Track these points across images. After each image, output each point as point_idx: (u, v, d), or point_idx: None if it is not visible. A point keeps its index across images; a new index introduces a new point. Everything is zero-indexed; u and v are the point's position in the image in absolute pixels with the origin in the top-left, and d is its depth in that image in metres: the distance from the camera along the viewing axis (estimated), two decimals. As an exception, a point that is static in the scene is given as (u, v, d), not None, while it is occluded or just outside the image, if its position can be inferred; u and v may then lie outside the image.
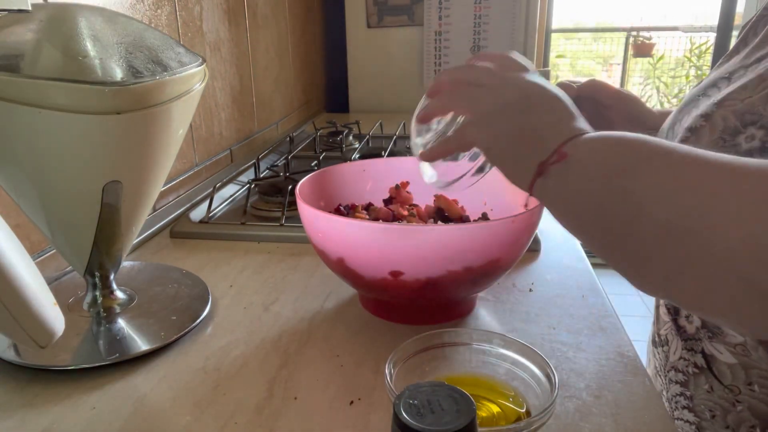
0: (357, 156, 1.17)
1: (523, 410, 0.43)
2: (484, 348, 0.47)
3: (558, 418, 0.45)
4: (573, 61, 5.30)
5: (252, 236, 0.81)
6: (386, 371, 0.42)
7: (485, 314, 0.61)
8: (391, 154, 1.17)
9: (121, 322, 0.57)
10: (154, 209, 0.90)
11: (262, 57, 1.38)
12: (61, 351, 0.52)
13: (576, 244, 0.78)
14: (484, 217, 0.66)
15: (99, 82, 0.44)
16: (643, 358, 0.54)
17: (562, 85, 0.70)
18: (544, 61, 2.46)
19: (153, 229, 0.84)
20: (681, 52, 4.71)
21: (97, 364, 0.51)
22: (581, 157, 0.40)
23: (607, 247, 0.40)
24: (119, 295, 0.60)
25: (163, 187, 0.85)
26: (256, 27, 1.34)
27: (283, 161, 1.13)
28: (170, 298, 0.62)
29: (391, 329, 0.58)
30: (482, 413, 0.43)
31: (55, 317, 0.38)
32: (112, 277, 0.59)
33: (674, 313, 0.61)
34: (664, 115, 0.66)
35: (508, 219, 0.51)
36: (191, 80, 0.51)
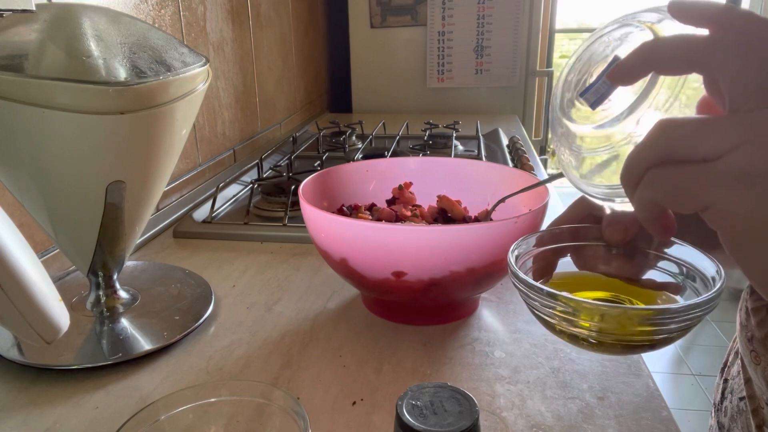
0: (360, 156, 1.17)
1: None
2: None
3: (561, 419, 0.45)
4: (576, 61, 5.29)
5: (255, 236, 0.81)
6: (510, 257, 0.39)
7: (488, 315, 0.60)
8: (395, 154, 1.17)
9: (124, 322, 0.57)
10: (158, 209, 0.90)
11: (265, 57, 1.38)
12: (65, 350, 0.52)
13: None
14: (487, 217, 0.66)
15: (103, 82, 0.44)
16: (648, 362, 0.53)
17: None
18: (548, 62, 2.46)
19: (156, 228, 0.84)
20: (685, 53, 4.70)
21: (100, 364, 0.51)
22: None
23: None
24: (122, 294, 0.60)
25: (167, 186, 0.85)
26: (260, 27, 1.34)
27: (286, 161, 1.13)
28: (173, 298, 0.62)
29: (394, 330, 0.58)
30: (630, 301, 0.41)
31: (60, 313, 0.38)
32: (115, 276, 0.59)
33: None
34: None
35: (511, 220, 0.51)
36: (195, 80, 0.51)
